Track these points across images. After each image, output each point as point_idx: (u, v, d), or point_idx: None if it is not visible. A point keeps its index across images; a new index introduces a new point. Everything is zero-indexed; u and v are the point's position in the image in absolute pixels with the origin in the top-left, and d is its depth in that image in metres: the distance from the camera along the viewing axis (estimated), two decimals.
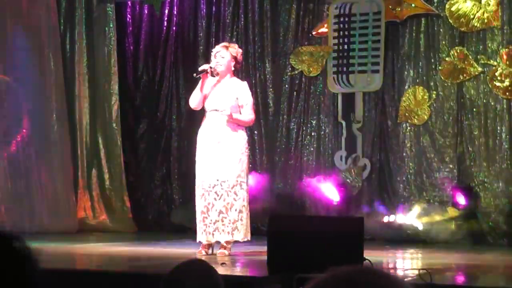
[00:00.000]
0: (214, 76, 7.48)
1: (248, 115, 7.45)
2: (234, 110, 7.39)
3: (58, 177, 10.57)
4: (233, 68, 7.51)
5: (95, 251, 8.20)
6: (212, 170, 7.31)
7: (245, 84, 7.60)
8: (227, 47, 7.54)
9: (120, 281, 5.73)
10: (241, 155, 7.40)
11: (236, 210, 7.32)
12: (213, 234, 7.31)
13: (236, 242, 7.47)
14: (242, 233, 7.35)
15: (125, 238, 9.82)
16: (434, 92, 10.16)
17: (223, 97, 7.40)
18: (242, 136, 7.46)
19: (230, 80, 7.50)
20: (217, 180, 7.30)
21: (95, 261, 7.45)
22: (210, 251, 7.38)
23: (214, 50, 7.57)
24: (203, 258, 7.04)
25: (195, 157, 7.56)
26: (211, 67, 7.42)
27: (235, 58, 7.49)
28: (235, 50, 7.54)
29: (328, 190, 10.41)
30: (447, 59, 10.08)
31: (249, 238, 7.47)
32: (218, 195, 7.30)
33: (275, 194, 10.65)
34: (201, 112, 7.71)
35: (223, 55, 7.46)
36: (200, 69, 7.53)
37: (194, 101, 7.55)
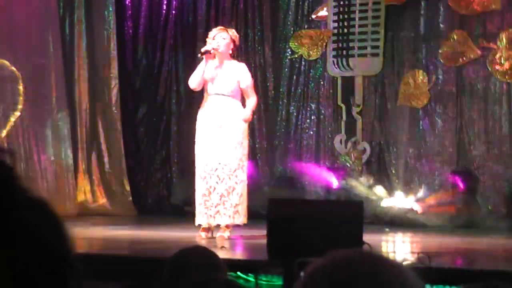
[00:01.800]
0: (213, 59, 7.50)
1: (252, 98, 7.55)
2: (235, 93, 7.45)
3: (58, 160, 10.57)
4: (230, 51, 7.55)
5: (95, 235, 8.21)
6: (214, 153, 7.33)
7: (244, 65, 7.68)
8: (226, 30, 7.58)
9: (120, 265, 5.75)
10: (242, 138, 7.43)
11: (237, 193, 7.34)
12: (214, 217, 7.33)
13: (236, 225, 7.49)
14: (243, 216, 7.39)
15: (125, 222, 9.83)
16: (434, 76, 10.15)
17: (225, 80, 7.45)
18: (243, 121, 7.50)
19: (230, 63, 7.55)
20: (219, 163, 7.32)
21: (95, 245, 7.46)
22: (210, 235, 7.40)
23: (212, 33, 7.58)
24: (203, 241, 7.06)
25: (194, 139, 7.58)
26: (214, 48, 7.43)
27: (233, 41, 7.54)
28: (234, 33, 7.60)
29: (328, 174, 10.42)
30: (446, 42, 10.07)
31: (245, 222, 7.50)
32: (219, 179, 7.32)
33: (275, 178, 10.66)
34: (201, 96, 7.71)
35: (224, 36, 7.50)
36: (203, 49, 7.53)
37: (194, 82, 7.57)
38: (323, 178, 10.42)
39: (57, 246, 1.18)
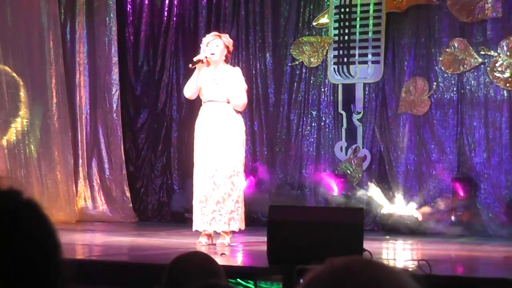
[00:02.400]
0: (207, 66, 7.47)
1: (242, 98, 7.45)
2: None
3: (58, 166, 10.58)
4: (224, 58, 7.52)
5: (95, 241, 8.20)
6: (210, 160, 7.32)
7: (238, 69, 7.63)
8: (220, 36, 7.55)
9: (120, 271, 5.74)
10: (238, 145, 7.41)
11: (233, 200, 7.33)
12: (210, 223, 7.32)
13: (233, 232, 7.47)
14: (238, 223, 7.37)
15: (125, 228, 9.83)
16: (435, 83, 10.15)
17: (217, 87, 7.41)
18: (240, 126, 7.47)
19: (223, 68, 7.51)
20: (215, 170, 7.31)
21: (95, 251, 7.45)
22: (209, 241, 7.39)
23: (205, 40, 7.56)
24: (203, 248, 7.05)
25: (194, 147, 7.57)
26: (206, 57, 7.42)
27: (227, 47, 7.51)
28: (228, 39, 7.57)
29: (328, 181, 10.41)
30: (447, 49, 10.07)
31: (243, 228, 7.48)
32: (216, 185, 7.31)
33: (275, 184, 10.66)
34: (201, 103, 7.71)
35: (217, 43, 7.46)
36: (195, 59, 7.52)
37: (189, 91, 7.56)
38: (324, 185, 10.42)
39: (46, 247, 1.19)
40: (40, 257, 1.18)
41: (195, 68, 7.50)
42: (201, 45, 7.62)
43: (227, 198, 7.31)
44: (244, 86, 7.52)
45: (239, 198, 7.39)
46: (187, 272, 2.56)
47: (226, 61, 7.59)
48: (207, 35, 7.70)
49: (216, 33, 7.78)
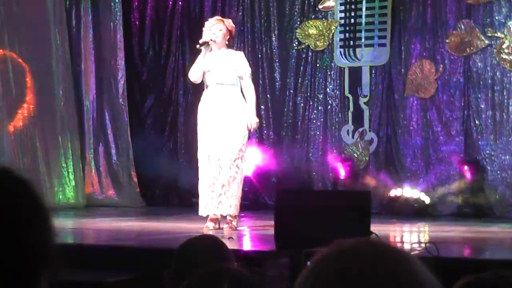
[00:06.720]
0: (210, 51, 7.48)
1: (250, 88, 7.49)
2: (234, 82, 7.42)
3: (66, 152, 10.58)
4: (226, 42, 7.53)
5: (103, 226, 8.22)
6: (217, 144, 7.32)
7: (241, 54, 7.68)
8: (222, 21, 7.56)
9: (128, 256, 5.75)
10: (243, 129, 7.42)
11: (238, 183, 7.35)
12: (217, 207, 7.34)
13: (240, 216, 7.48)
14: (239, 206, 7.40)
15: (132, 213, 9.85)
16: (441, 66, 10.13)
17: (223, 70, 7.43)
18: (244, 110, 7.47)
19: (227, 52, 7.53)
20: (221, 153, 7.32)
21: (103, 236, 7.47)
22: (216, 226, 7.40)
23: (208, 24, 7.57)
24: (210, 232, 7.06)
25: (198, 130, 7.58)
26: (211, 39, 7.42)
27: (230, 32, 7.53)
28: (230, 24, 7.59)
29: (335, 164, 10.41)
30: (454, 32, 10.04)
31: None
32: (221, 168, 7.32)
33: (282, 168, 10.66)
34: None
35: (220, 27, 7.48)
36: (201, 41, 7.52)
37: (195, 75, 7.54)
38: (331, 168, 10.43)
39: (36, 228, 1.19)
40: (28, 238, 1.18)
41: (200, 50, 7.50)
42: (203, 29, 7.62)
43: (232, 181, 7.32)
44: (249, 71, 7.54)
45: (241, 182, 7.43)
46: (197, 256, 2.56)
47: (228, 45, 7.59)
48: (210, 19, 7.70)
49: (219, 17, 7.79)
